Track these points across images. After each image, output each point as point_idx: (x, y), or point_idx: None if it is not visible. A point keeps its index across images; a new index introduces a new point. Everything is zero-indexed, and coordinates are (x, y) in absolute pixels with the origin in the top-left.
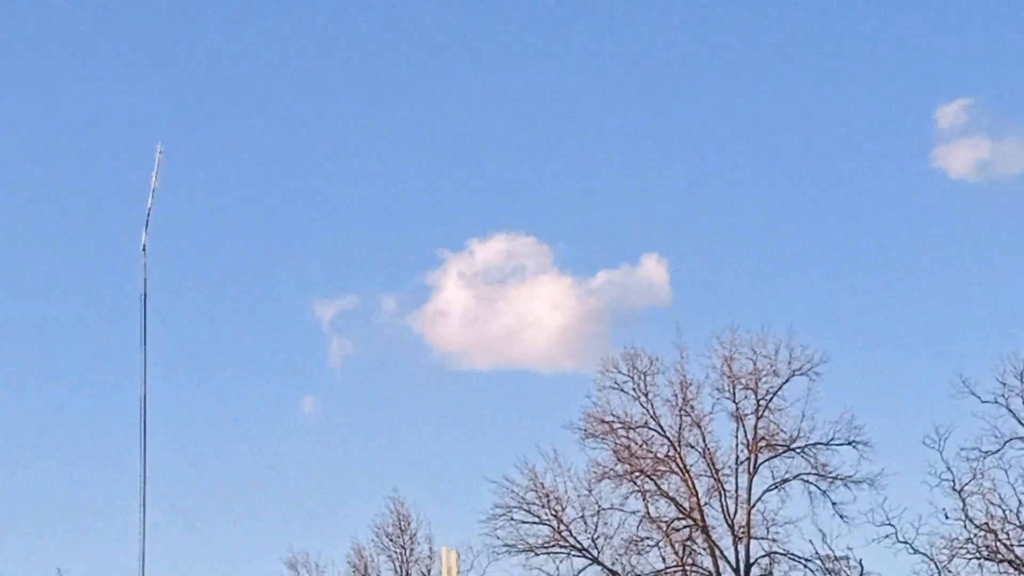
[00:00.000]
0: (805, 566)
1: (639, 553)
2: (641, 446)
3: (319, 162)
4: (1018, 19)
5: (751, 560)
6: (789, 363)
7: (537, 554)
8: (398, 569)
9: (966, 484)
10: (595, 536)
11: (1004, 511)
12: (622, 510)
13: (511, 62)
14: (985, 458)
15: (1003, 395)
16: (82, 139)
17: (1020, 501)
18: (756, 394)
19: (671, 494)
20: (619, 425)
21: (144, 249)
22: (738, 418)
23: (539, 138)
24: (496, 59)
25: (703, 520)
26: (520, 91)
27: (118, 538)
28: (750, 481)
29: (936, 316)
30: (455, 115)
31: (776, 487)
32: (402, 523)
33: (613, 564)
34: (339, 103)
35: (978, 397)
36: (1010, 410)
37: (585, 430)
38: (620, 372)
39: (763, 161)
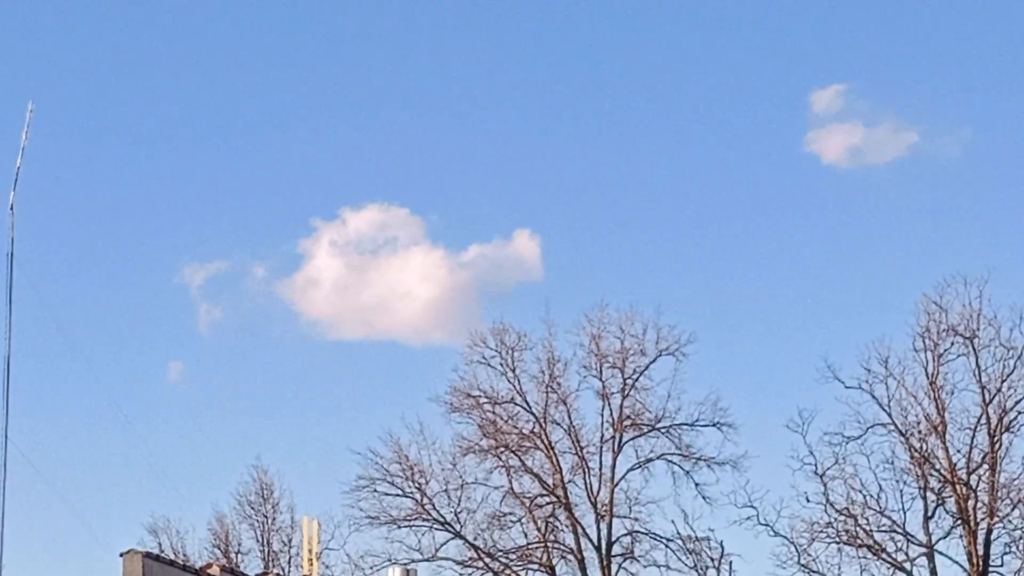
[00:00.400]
0: (666, 546)
1: (501, 528)
2: (507, 421)
3: (193, 125)
4: (895, 6)
5: (613, 538)
6: (656, 343)
7: (399, 527)
8: (259, 537)
9: (828, 469)
10: (458, 510)
11: (864, 496)
12: (486, 485)
13: (386, 30)
14: (847, 443)
15: (867, 381)
16: None
17: (880, 487)
18: (623, 373)
19: (535, 470)
20: (485, 400)
21: (12, 208)
22: (604, 396)
23: (415, 109)
24: (371, 28)
25: (566, 497)
26: (397, 61)
27: None
28: (614, 460)
29: (803, 300)
30: (331, 82)
31: (640, 466)
32: (264, 492)
33: (475, 539)
34: (216, 65)
35: (842, 382)
36: (873, 396)
37: (451, 404)
38: (488, 347)
39: (637, 140)
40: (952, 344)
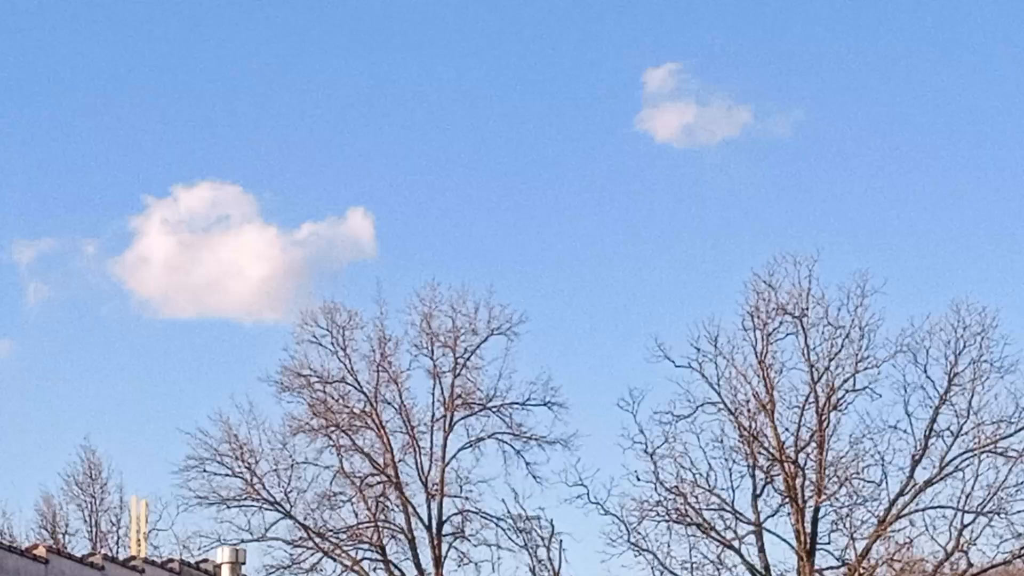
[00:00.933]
0: (497, 524)
1: (332, 508)
2: (337, 401)
3: (22, 98)
4: None
5: (443, 518)
6: (488, 322)
7: (229, 507)
8: (87, 518)
9: (658, 447)
10: (288, 490)
11: (694, 475)
12: (316, 464)
13: (220, 11)
14: (677, 422)
15: (697, 360)
16: None
17: (709, 465)
18: (454, 352)
19: (366, 450)
20: (316, 379)
21: None
22: (435, 375)
23: (248, 86)
24: (203, 8)
25: (397, 477)
26: (228, 39)
27: None
28: (445, 439)
29: (635, 280)
30: (163, 58)
31: (471, 445)
32: (93, 472)
33: (305, 519)
34: (47, 36)
35: (672, 362)
36: (703, 375)
37: (281, 383)
38: (319, 326)
39: (470, 118)
40: (781, 323)
